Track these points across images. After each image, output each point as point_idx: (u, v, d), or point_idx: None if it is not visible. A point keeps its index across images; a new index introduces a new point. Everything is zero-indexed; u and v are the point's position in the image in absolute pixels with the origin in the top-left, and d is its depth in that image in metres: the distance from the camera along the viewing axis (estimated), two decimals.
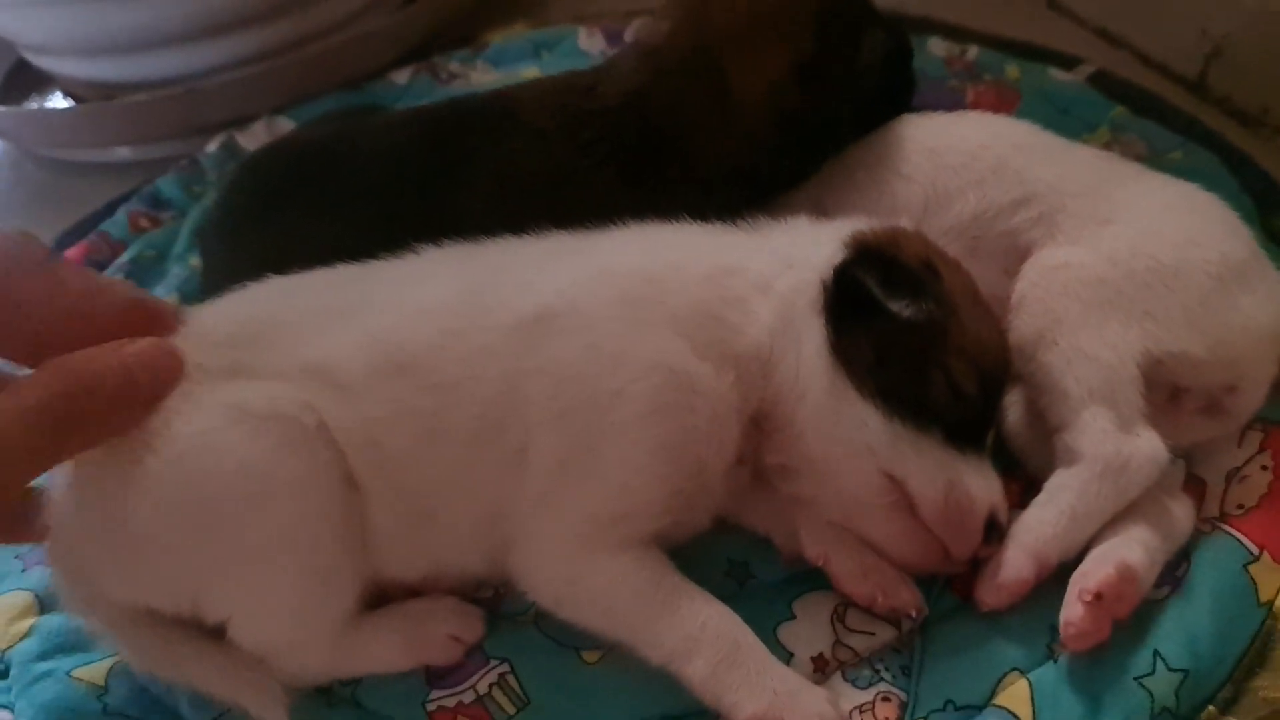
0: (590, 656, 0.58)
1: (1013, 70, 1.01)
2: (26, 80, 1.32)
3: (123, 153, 1.15)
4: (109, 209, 1.02)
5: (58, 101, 1.29)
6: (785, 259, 0.61)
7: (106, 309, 0.56)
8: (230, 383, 0.56)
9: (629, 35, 1.16)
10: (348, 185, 0.73)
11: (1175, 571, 0.58)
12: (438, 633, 0.59)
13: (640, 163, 0.70)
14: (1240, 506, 0.61)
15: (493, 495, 0.57)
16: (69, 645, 0.63)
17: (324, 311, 0.60)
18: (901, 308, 0.55)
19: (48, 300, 0.54)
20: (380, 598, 0.61)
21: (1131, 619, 0.55)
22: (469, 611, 0.61)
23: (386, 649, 0.59)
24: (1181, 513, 0.59)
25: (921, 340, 0.57)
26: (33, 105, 1.30)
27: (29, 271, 0.54)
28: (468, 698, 0.58)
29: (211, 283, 0.69)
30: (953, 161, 0.71)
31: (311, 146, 0.78)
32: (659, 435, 0.56)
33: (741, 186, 0.71)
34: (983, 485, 0.56)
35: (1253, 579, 0.56)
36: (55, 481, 0.56)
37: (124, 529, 0.54)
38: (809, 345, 0.58)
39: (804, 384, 0.58)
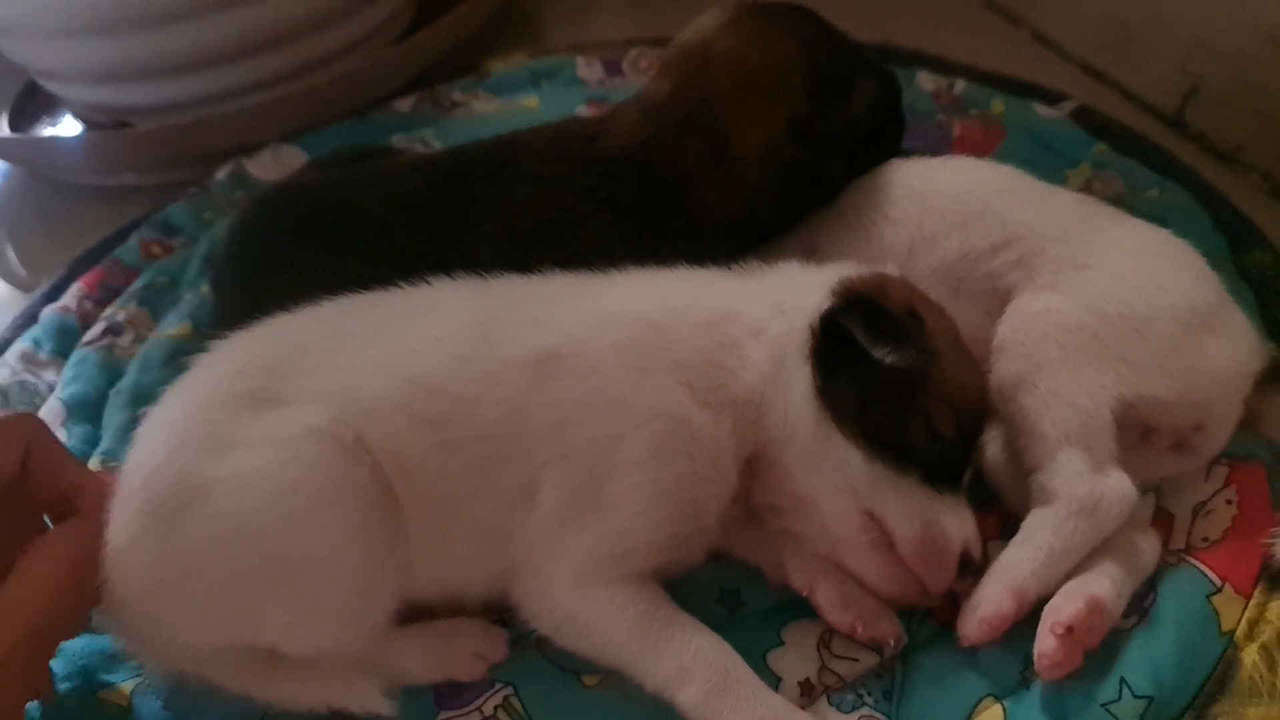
0: (590, 680, 0.61)
1: (998, 105, 1.04)
2: (37, 103, 1.35)
3: (132, 178, 1.18)
4: (121, 235, 1.05)
5: (68, 124, 1.33)
6: (777, 304, 0.64)
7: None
8: (259, 410, 0.58)
9: (626, 64, 1.20)
10: (358, 230, 0.75)
11: (1143, 602, 0.61)
12: (464, 649, 0.62)
13: (640, 211, 0.73)
14: (1205, 539, 0.64)
15: (499, 524, 0.60)
16: (93, 668, 0.65)
17: (344, 338, 0.63)
18: (885, 354, 0.58)
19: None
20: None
21: (1100, 647, 0.58)
22: (494, 633, 0.63)
23: (415, 661, 0.62)
24: (1147, 546, 0.62)
25: (903, 385, 0.60)
26: (43, 128, 1.33)
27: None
28: (474, 718, 0.61)
29: (226, 319, 0.71)
30: (937, 205, 0.74)
31: (322, 190, 0.80)
32: (659, 479, 0.59)
33: (739, 234, 0.74)
34: (957, 523, 0.60)
35: (1215, 609, 0.59)
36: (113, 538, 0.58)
37: (183, 571, 0.56)
38: (798, 389, 0.61)
39: (793, 426, 0.61)
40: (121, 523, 0.57)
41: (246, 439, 0.57)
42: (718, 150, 0.74)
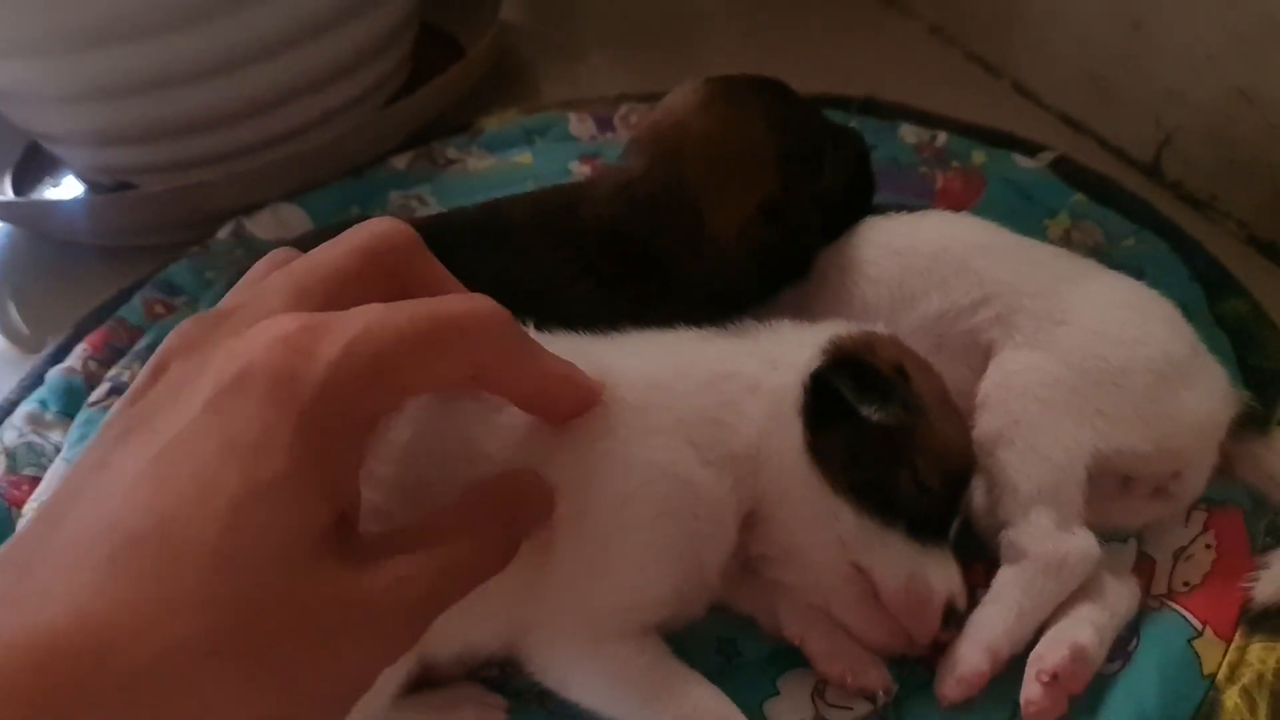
0: None
1: (979, 156, 1.07)
2: (39, 164, 1.38)
3: (134, 239, 1.20)
4: (124, 295, 1.07)
5: (70, 184, 1.36)
6: (771, 361, 0.66)
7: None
8: None
9: (617, 120, 1.23)
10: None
11: (1126, 646, 0.62)
12: None
13: (620, 281, 0.75)
14: (1186, 584, 0.66)
15: (513, 583, 0.60)
16: None
17: None
18: (872, 412, 0.60)
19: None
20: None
21: (1085, 692, 0.60)
22: (491, 703, 0.65)
23: None
24: (1126, 592, 0.64)
25: (890, 441, 0.62)
26: (45, 189, 1.36)
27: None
28: None
29: None
30: (917, 264, 0.76)
31: None
32: (664, 538, 0.61)
33: (718, 304, 0.76)
34: (942, 576, 0.62)
35: (1197, 653, 0.61)
36: None
37: None
38: (790, 444, 0.63)
39: (786, 480, 0.63)
40: None
41: None
42: (693, 232, 0.76)
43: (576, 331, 0.68)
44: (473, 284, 0.74)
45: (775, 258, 0.79)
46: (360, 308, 0.44)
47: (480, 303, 0.48)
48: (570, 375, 0.56)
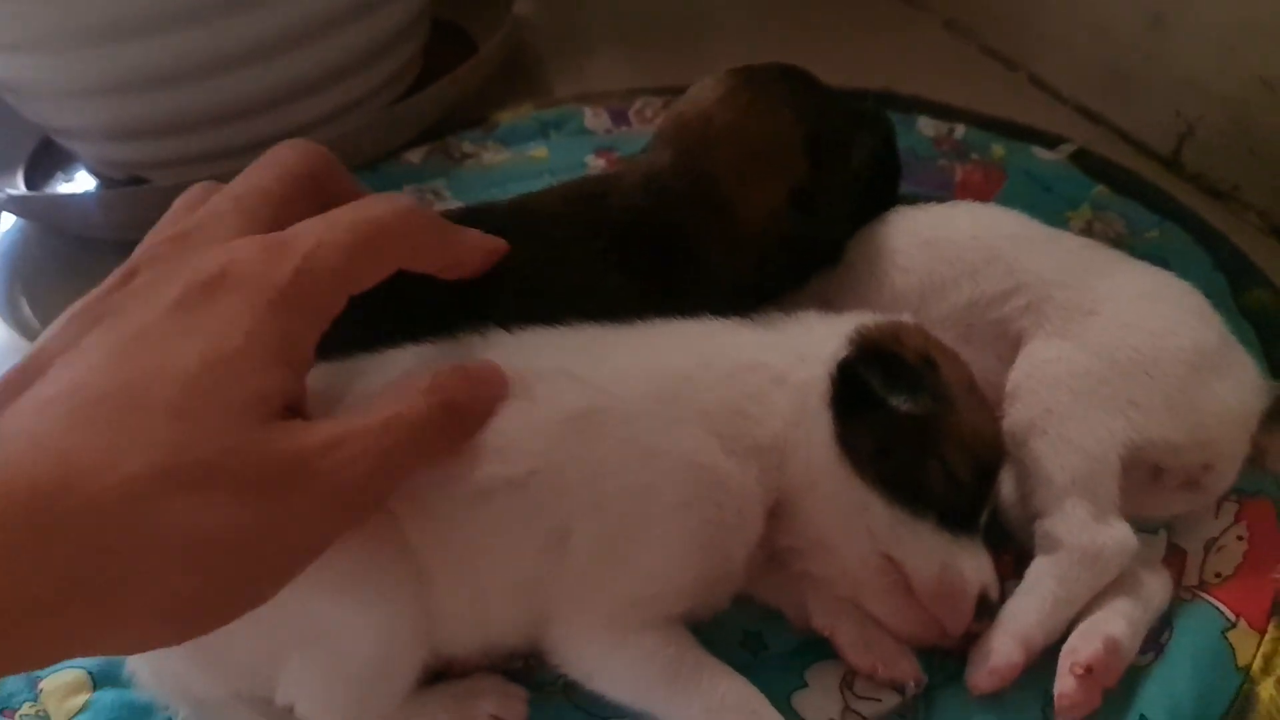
0: None
1: (999, 149, 1.06)
2: (51, 158, 1.37)
3: (146, 233, 1.19)
4: None
5: (83, 179, 1.35)
6: (798, 353, 0.66)
7: None
8: None
9: (632, 114, 1.22)
10: (377, 291, 0.74)
11: (1159, 638, 0.62)
12: (482, 712, 0.62)
13: (649, 273, 0.74)
14: (1218, 575, 0.65)
15: (532, 575, 0.61)
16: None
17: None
18: (900, 402, 0.60)
19: None
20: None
21: (1119, 684, 0.59)
22: (513, 693, 0.64)
23: None
24: (1158, 584, 0.63)
25: (919, 432, 0.61)
26: (58, 184, 1.35)
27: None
28: None
29: None
30: (947, 253, 0.75)
31: None
32: (688, 527, 0.60)
33: (746, 295, 0.75)
34: (974, 566, 0.61)
35: (1231, 644, 0.60)
36: None
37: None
38: (818, 435, 0.63)
39: (814, 472, 0.62)
40: None
41: None
42: (721, 222, 0.75)
43: (603, 323, 0.68)
44: (501, 275, 0.73)
45: (804, 246, 0.78)
46: (308, 224, 0.53)
47: (400, 203, 0.57)
48: (477, 242, 0.64)
